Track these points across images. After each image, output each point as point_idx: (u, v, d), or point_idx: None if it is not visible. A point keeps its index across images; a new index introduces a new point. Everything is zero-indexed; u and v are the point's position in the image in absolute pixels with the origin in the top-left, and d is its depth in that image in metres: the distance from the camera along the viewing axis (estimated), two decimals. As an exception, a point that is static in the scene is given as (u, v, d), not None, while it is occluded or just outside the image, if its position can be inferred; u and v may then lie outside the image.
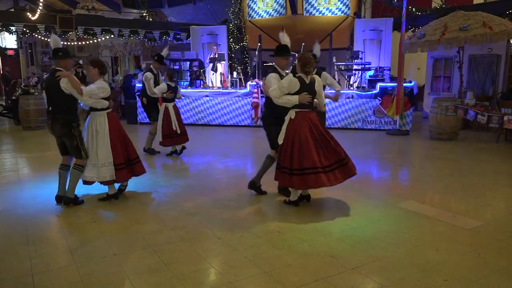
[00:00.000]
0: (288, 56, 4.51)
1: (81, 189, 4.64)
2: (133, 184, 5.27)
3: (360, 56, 11.17)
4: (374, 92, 9.87)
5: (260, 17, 12.84)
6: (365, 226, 3.84)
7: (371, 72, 10.83)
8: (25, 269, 3.02)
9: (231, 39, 13.49)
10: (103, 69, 4.46)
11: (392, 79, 10.63)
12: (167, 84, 6.65)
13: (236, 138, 8.99)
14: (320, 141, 4.11)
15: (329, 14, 12.15)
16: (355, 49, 11.91)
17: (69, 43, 19.79)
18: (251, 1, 12.92)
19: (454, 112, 8.20)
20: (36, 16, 12.95)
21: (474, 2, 12.17)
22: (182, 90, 11.15)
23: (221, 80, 11.52)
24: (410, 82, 10.00)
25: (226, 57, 12.61)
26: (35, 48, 20.77)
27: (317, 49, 6.18)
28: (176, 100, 6.96)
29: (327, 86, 5.31)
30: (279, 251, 3.29)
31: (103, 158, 4.38)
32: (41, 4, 13.64)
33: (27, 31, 13.30)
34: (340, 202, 4.58)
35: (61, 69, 4.26)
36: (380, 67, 11.10)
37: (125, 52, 18.74)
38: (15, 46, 19.23)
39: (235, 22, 13.87)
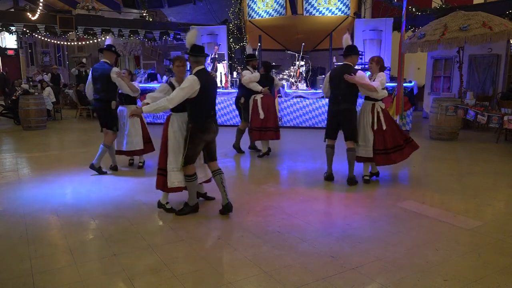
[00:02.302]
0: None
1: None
2: (133, 184, 5.28)
3: (360, 56, 11.15)
4: (374, 92, 9.86)
5: (260, 17, 12.83)
6: (365, 226, 3.85)
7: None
8: (25, 269, 3.02)
9: (231, 39, 13.48)
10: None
11: (392, 79, 10.63)
12: None
13: (236, 138, 8.98)
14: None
15: (329, 14, 12.15)
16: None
17: (69, 43, 19.84)
18: (251, 1, 12.92)
19: (454, 112, 8.20)
20: (36, 16, 12.95)
21: (474, 2, 12.16)
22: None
23: (221, 80, 11.52)
24: (410, 82, 10.00)
25: (226, 57, 12.61)
26: (35, 48, 20.80)
27: (248, 49, 7.47)
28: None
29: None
30: (279, 251, 3.29)
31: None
32: (41, 4, 13.63)
33: (27, 31, 13.30)
34: (340, 202, 4.59)
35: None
36: (380, 67, 11.08)
37: (125, 52, 18.75)
38: (15, 46, 19.23)
39: (235, 22, 13.87)
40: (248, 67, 6.94)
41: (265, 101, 6.75)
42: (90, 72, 5.82)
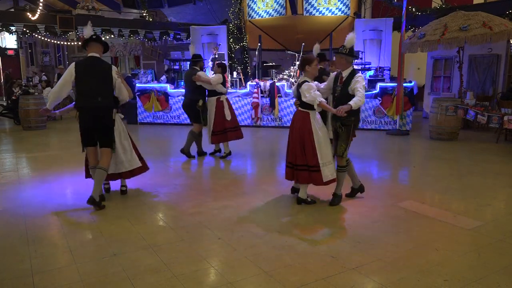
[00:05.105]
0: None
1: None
2: (133, 184, 5.27)
3: (360, 56, 11.16)
4: (374, 92, 9.87)
5: (260, 17, 12.84)
6: (365, 226, 3.84)
7: (371, 72, 10.83)
8: (25, 269, 3.02)
9: (231, 39, 13.49)
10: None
11: (392, 79, 10.63)
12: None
13: (236, 138, 8.98)
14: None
15: (329, 14, 12.15)
16: (355, 49, 11.89)
17: (69, 43, 19.84)
18: (251, 1, 12.92)
19: (454, 112, 8.20)
20: (36, 16, 12.96)
21: (474, 2, 12.16)
22: (182, 90, 11.14)
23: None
24: (410, 82, 10.00)
25: (226, 57, 12.61)
26: (35, 48, 20.81)
27: (191, 50, 7.15)
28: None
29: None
30: (279, 251, 3.29)
31: None
32: (41, 4, 13.64)
33: (27, 31, 13.30)
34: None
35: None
36: (380, 67, 11.09)
37: (125, 52, 18.74)
38: (15, 46, 19.23)
39: (235, 22, 13.87)
40: (195, 67, 6.69)
41: (228, 102, 6.76)
42: (72, 70, 4.26)
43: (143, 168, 4.89)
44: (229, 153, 6.90)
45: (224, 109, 6.61)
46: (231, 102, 10.42)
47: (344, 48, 4.27)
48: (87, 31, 4.36)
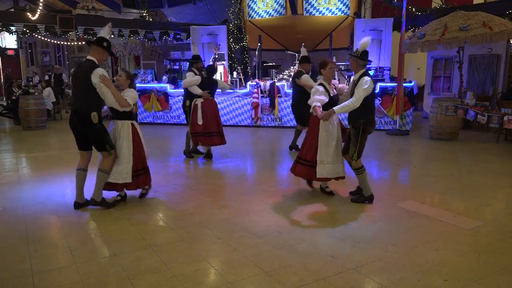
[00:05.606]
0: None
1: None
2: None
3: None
4: (374, 92, 9.86)
5: (260, 17, 12.83)
6: (365, 226, 3.85)
7: (371, 72, 10.82)
8: (25, 269, 3.02)
9: (231, 39, 13.49)
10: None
11: (392, 79, 10.63)
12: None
13: (236, 138, 8.98)
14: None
15: (329, 14, 12.15)
16: (355, 49, 11.87)
17: (69, 43, 19.85)
18: (251, 1, 12.92)
19: (454, 112, 8.20)
20: (36, 16, 12.96)
21: (474, 2, 12.16)
22: (182, 90, 11.14)
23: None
24: (410, 82, 10.00)
25: (226, 57, 12.61)
26: (35, 48, 20.80)
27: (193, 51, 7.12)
28: None
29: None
30: (279, 251, 3.29)
31: None
32: (41, 4, 13.65)
33: (27, 31, 13.30)
34: (340, 202, 4.58)
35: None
36: (380, 67, 11.09)
37: (125, 52, 18.73)
38: (15, 46, 19.23)
39: (235, 22, 13.87)
40: (192, 69, 6.67)
41: (206, 106, 6.48)
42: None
43: (135, 185, 4.48)
44: (208, 154, 6.77)
45: (196, 112, 6.45)
46: (231, 102, 10.58)
47: (357, 51, 4.41)
48: (103, 32, 4.27)
